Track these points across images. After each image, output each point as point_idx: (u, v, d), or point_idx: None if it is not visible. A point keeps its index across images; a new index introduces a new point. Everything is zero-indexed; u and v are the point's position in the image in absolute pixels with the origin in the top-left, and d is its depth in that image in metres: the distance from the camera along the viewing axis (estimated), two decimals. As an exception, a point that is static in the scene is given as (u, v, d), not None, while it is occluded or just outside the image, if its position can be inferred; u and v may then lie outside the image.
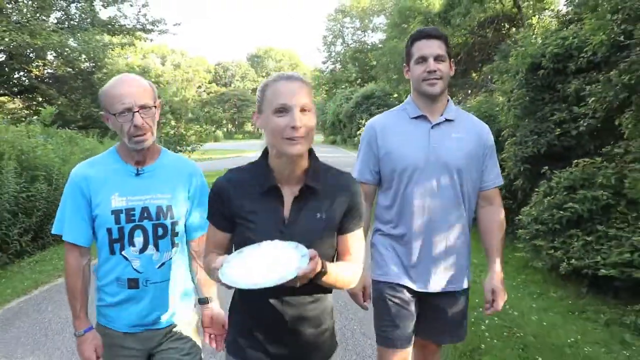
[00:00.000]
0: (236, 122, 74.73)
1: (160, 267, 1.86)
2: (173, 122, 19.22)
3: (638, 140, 4.96)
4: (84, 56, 16.05)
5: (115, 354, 1.89)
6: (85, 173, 1.83)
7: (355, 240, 1.62)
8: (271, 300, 1.52)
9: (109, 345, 1.89)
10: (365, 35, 51.76)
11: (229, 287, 1.35)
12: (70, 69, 17.14)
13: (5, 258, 6.47)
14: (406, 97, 2.36)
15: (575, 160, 5.45)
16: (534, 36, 7.54)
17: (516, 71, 6.87)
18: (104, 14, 17.10)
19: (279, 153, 1.51)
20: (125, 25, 17.63)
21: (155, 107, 1.82)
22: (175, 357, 1.91)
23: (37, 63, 16.71)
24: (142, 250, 1.83)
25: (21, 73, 17.16)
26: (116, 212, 1.79)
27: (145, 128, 1.76)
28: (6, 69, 16.14)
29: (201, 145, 19.97)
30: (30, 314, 4.73)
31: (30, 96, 17.63)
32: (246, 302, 1.60)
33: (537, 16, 16.14)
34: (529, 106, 6.51)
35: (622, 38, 4.82)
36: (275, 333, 1.58)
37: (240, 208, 1.55)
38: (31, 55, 15.86)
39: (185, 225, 1.95)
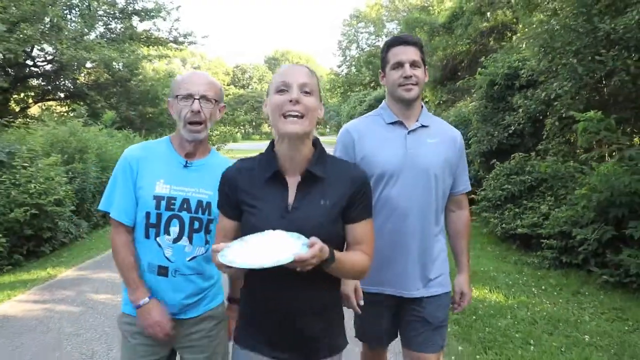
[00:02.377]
0: (253, 123, 76.17)
1: (191, 259, 1.85)
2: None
3: (553, 140, 6.92)
4: (121, 64, 18.26)
5: (137, 342, 1.87)
6: (137, 154, 1.87)
7: (364, 230, 1.59)
8: (278, 290, 1.50)
9: (131, 332, 1.88)
10: (378, 40, 53.37)
11: (227, 269, 1.37)
12: (110, 77, 19.37)
13: (89, 227, 8.62)
14: None
15: (513, 154, 7.40)
16: (496, 57, 9.45)
17: (480, 86, 8.81)
18: (140, 26, 19.10)
19: (280, 135, 1.52)
20: (159, 37, 19.84)
21: (216, 102, 1.86)
22: (199, 357, 1.92)
23: (83, 72, 18.95)
24: (176, 240, 1.82)
25: (67, 81, 19.43)
26: (158, 198, 1.81)
27: (201, 117, 1.80)
28: (57, 76, 18.43)
29: (225, 145, 22.08)
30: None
31: (76, 101, 19.90)
32: (253, 292, 1.59)
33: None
34: (488, 113, 8.46)
35: (541, 66, 6.76)
36: (282, 323, 1.56)
37: (246, 195, 1.56)
38: (76, 64, 18.10)
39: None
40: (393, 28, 52.36)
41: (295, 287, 1.50)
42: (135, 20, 19.45)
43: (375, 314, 2.14)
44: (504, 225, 6.83)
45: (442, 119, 2.37)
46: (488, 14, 19.19)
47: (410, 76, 2.06)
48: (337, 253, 1.44)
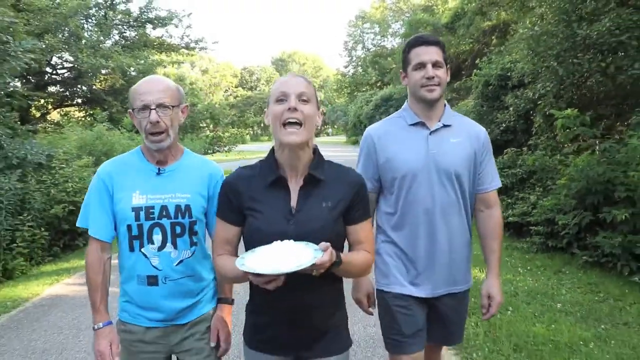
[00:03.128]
0: (262, 125, 76.48)
1: (178, 264, 1.85)
2: (211, 126, 22.18)
3: (542, 136, 7.51)
4: (136, 71, 19.06)
5: (137, 349, 1.89)
6: (110, 170, 1.87)
7: (365, 230, 1.67)
8: (285, 291, 1.48)
9: (130, 341, 1.90)
10: (383, 41, 53.85)
11: (249, 277, 1.43)
12: (125, 82, 20.16)
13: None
14: None
15: (506, 150, 8.01)
16: (491, 58, 10.06)
17: (476, 86, 9.43)
18: (153, 33, 19.94)
19: (280, 144, 1.59)
20: (172, 44, 20.63)
21: (174, 106, 1.82)
22: (198, 358, 1.92)
23: (99, 78, 19.76)
24: (161, 247, 1.83)
25: (85, 87, 20.23)
26: (136, 210, 1.81)
27: (160, 126, 1.77)
28: (75, 83, 19.25)
29: (236, 146, 22.86)
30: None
31: (93, 106, 20.70)
32: (262, 295, 1.58)
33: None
34: (483, 112, 9.07)
35: (526, 68, 7.37)
36: (291, 323, 1.64)
37: (250, 200, 1.62)
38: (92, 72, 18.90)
39: (206, 225, 1.96)
40: (398, 28, 52.95)
41: (302, 288, 1.56)
42: (148, 27, 20.28)
43: (413, 320, 2.13)
44: (497, 215, 7.44)
45: (466, 117, 2.34)
46: (490, 13, 19.69)
47: (433, 77, 2.05)
48: (342, 255, 1.54)
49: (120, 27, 19.84)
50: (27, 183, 6.93)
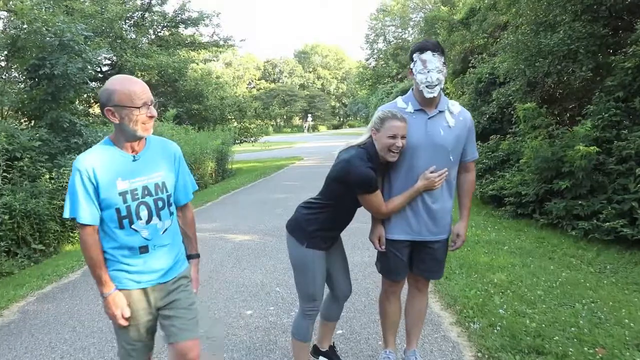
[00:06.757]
0: (285, 117, 77.41)
1: (164, 232, 2.17)
2: (238, 118, 23.87)
3: (520, 125, 9.03)
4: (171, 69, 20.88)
5: (131, 309, 2.14)
6: (90, 163, 2.03)
7: None
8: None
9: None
10: (405, 33, 54.73)
11: None
12: (159, 78, 22.02)
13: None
14: None
15: (492, 136, 9.54)
16: (484, 57, 11.52)
17: (471, 82, 10.94)
18: (185, 32, 21.63)
19: (382, 159, 2.61)
20: (202, 42, 22.45)
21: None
22: (182, 311, 2.24)
23: (137, 74, 21.64)
24: (148, 221, 2.11)
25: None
26: (123, 194, 2.05)
27: (154, 119, 2.10)
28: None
29: (262, 137, 24.59)
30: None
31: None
32: (336, 210, 2.69)
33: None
34: (477, 105, 10.58)
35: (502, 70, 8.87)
36: (344, 226, 2.80)
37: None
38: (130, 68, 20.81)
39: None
40: (419, 20, 53.77)
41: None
42: (180, 27, 22.10)
43: (399, 254, 2.80)
44: (482, 190, 9.00)
45: (457, 103, 2.82)
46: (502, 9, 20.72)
47: (436, 84, 2.58)
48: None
49: (155, 27, 21.73)
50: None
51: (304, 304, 2.80)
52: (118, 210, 2.05)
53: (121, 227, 2.07)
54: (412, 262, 2.88)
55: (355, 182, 2.53)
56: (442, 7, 32.35)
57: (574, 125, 7.76)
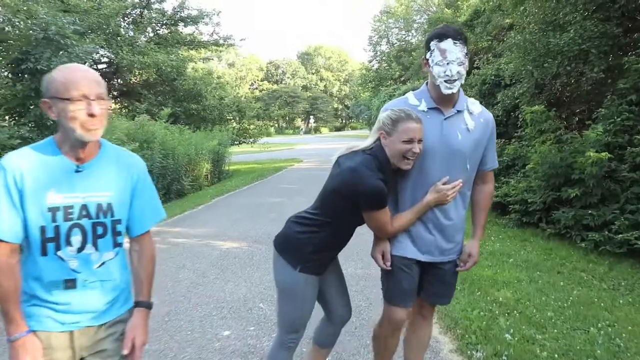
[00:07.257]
0: (287, 118, 77.35)
1: (99, 266, 1.71)
2: (237, 118, 23.49)
3: (527, 129, 8.61)
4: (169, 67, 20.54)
5: (46, 357, 1.66)
6: (18, 164, 1.60)
7: None
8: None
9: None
10: (408, 36, 54.34)
11: None
12: (157, 76, 21.68)
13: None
14: None
15: (496, 140, 9.11)
16: (489, 58, 11.10)
17: (475, 84, 10.51)
18: (184, 30, 21.26)
19: (395, 165, 2.20)
20: (202, 41, 22.07)
21: (105, 99, 1.65)
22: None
23: (134, 73, 21.31)
24: (80, 249, 1.66)
25: (121, 81, 21.84)
26: (53, 210, 1.61)
27: (98, 119, 1.61)
28: (112, 77, 20.87)
29: (261, 138, 24.19)
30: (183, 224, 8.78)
31: (130, 99, 22.31)
32: (335, 229, 2.31)
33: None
34: (480, 107, 10.16)
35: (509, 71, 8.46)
36: (344, 245, 2.43)
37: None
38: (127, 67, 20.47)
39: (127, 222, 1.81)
40: (422, 22, 53.44)
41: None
42: (180, 25, 21.74)
43: (411, 272, 2.38)
44: (484, 197, 8.58)
45: (477, 102, 2.43)
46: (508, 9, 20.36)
47: (455, 79, 2.18)
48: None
49: (154, 25, 21.37)
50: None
51: (285, 334, 2.40)
52: (43, 230, 1.61)
53: (44, 253, 1.63)
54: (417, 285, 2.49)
55: (363, 196, 2.14)
56: (446, 9, 32.16)
57: (582, 129, 7.36)
